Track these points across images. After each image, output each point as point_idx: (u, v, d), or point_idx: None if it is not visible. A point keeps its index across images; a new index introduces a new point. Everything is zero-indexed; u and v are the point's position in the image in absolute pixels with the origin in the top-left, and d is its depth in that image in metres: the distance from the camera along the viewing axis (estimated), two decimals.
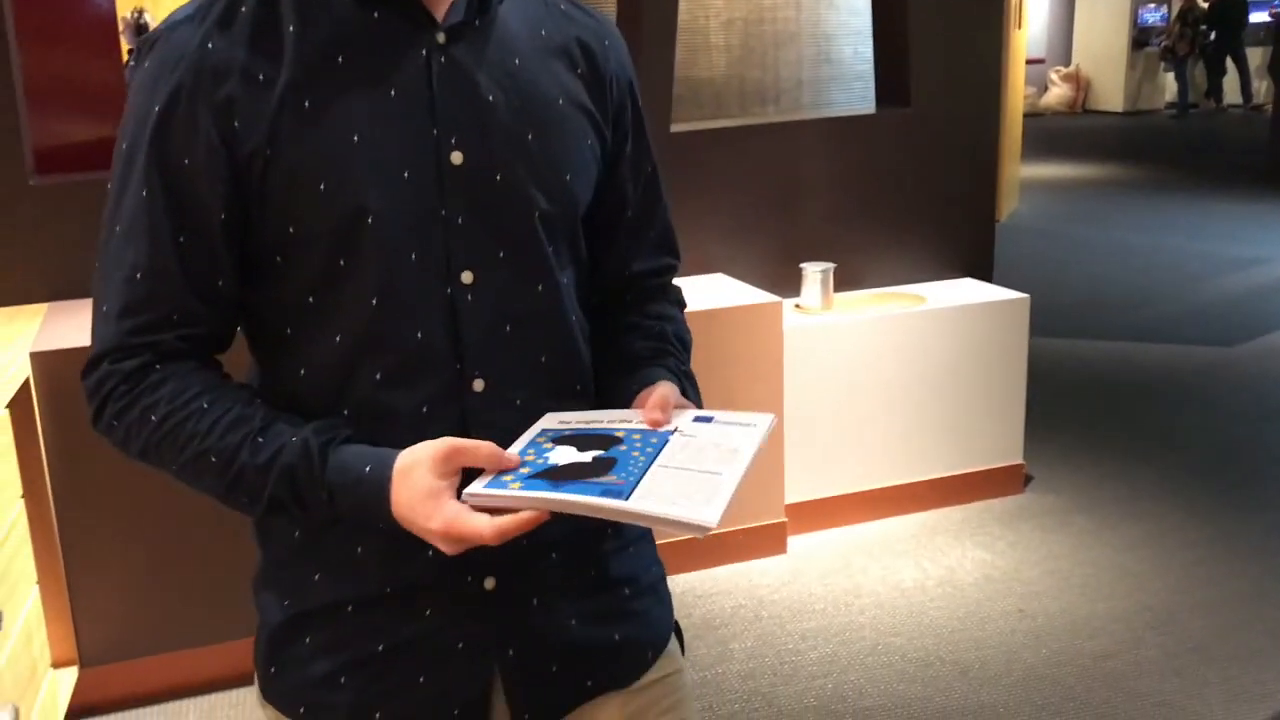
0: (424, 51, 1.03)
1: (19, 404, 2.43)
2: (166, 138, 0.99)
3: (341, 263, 1.01)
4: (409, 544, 1.02)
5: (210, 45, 0.99)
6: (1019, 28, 8.02)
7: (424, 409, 1.03)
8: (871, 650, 2.86)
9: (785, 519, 3.35)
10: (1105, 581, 3.16)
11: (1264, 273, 6.55)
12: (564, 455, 0.98)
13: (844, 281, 3.66)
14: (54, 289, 2.89)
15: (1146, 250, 7.21)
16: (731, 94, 3.89)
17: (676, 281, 1.27)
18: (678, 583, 3.18)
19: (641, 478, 0.93)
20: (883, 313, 3.50)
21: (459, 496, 0.96)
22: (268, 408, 1.02)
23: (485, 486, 0.95)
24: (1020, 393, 3.66)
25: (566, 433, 1.02)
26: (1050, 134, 13.15)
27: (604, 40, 1.15)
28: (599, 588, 1.14)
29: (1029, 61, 11.23)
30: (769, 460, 3.28)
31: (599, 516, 0.92)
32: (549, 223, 1.08)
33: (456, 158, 1.03)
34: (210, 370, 1.05)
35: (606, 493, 0.91)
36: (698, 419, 1.03)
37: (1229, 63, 14.83)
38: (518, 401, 1.06)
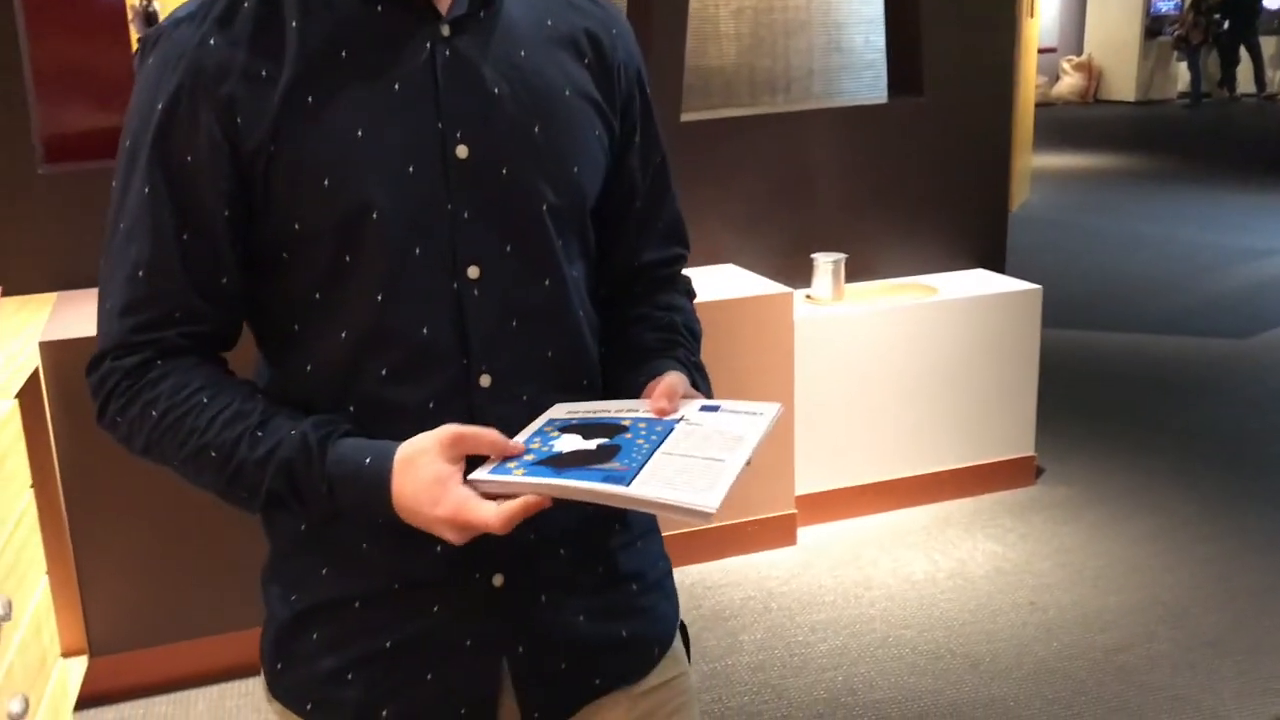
0: (428, 45, 1.02)
1: (28, 394, 2.42)
2: (169, 136, 0.98)
3: (347, 258, 1.00)
4: (416, 539, 1.01)
5: (212, 42, 0.98)
6: (1031, 16, 7.97)
7: (430, 405, 1.02)
8: (882, 643, 2.85)
9: (795, 510, 3.34)
10: (1117, 574, 3.14)
11: (1277, 264, 6.51)
12: (569, 443, 0.97)
13: (855, 272, 3.64)
14: (63, 278, 2.89)
15: (1159, 241, 7.17)
16: (742, 83, 3.87)
17: (686, 272, 1.26)
18: (687, 574, 3.17)
19: (644, 464, 0.93)
20: (894, 304, 3.48)
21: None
22: (268, 402, 1.02)
23: (489, 473, 0.95)
24: (1032, 384, 3.64)
25: (573, 422, 1.02)
26: (1062, 124, 13.08)
27: (611, 30, 1.14)
28: (607, 584, 1.13)
29: (1041, 51, 11.17)
30: (779, 451, 3.26)
31: (601, 502, 0.91)
32: (557, 216, 1.07)
33: (462, 151, 1.02)
34: (212, 365, 1.04)
35: (609, 479, 0.91)
36: (704, 408, 1.02)
37: (1242, 52, 14.73)
38: (524, 397, 1.05)
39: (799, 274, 3.56)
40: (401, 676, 1.07)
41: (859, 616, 2.97)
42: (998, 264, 3.87)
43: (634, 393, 1.08)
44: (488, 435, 0.96)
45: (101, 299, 1.03)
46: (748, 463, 0.94)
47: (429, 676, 1.07)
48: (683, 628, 1.23)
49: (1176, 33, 14.84)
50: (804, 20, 3.89)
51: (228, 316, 1.05)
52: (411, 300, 1.01)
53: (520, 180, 1.04)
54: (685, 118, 3.47)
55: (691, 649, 1.26)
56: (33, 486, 2.31)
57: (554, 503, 0.93)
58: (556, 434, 0.99)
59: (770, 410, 1.00)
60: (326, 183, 0.98)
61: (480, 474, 0.95)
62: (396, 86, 1.01)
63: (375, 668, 1.07)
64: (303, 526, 1.07)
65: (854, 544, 3.36)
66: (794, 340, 3.24)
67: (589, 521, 1.10)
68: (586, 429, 1.00)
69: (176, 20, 1.00)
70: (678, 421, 1.00)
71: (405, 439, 0.98)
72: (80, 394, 2.62)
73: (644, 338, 1.16)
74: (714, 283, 3.28)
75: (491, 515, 0.92)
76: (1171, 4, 15.23)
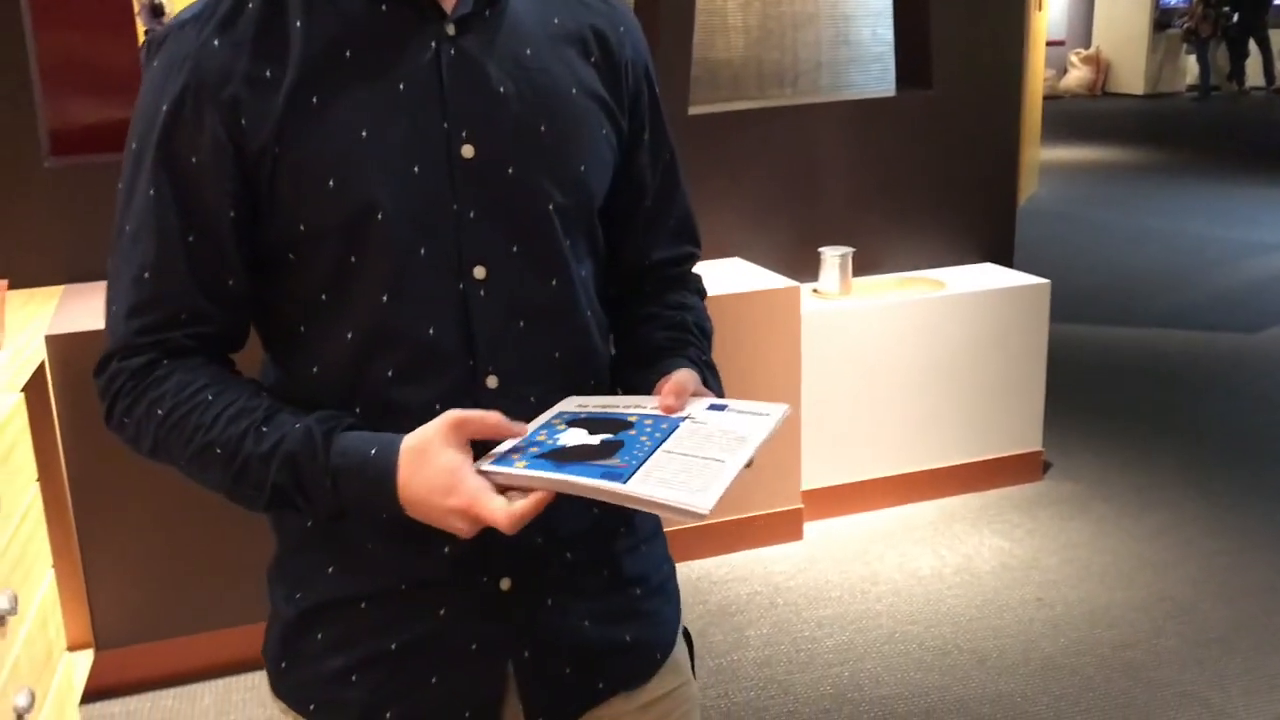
0: (433, 44, 1.01)
1: (34, 387, 2.42)
2: (173, 137, 0.98)
3: (352, 259, 1.00)
4: (422, 540, 1.00)
5: (216, 44, 0.98)
6: (1039, 9, 7.94)
7: (436, 405, 1.01)
8: (888, 638, 2.84)
9: (802, 505, 3.33)
10: (1125, 570, 3.13)
11: None
12: (573, 437, 0.97)
13: (863, 266, 3.63)
14: (69, 271, 2.89)
15: (1167, 235, 7.14)
16: (749, 76, 3.86)
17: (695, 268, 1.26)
18: (693, 569, 3.17)
19: (644, 462, 0.92)
20: (902, 298, 3.47)
21: None
22: (273, 399, 1.01)
23: (493, 464, 0.95)
24: (1040, 379, 3.63)
25: (581, 416, 1.01)
26: (1070, 117, 13.04)
27: (619, 27, 1.13)
28: (611, 587, 1.13)
29: (1049, 43, 11.13)
30: (786, 446, 3.26)
31: (598, 498, 0.91)
32: (564, 215, 1.06)
33: (467, 151, 1.01)
34: (217, 364, 1.04)
35: (607, 475, 0.91)
36: (712, 407, 1.02)
37: (1252, 44, 14.67)
38: (532, 398, 1.04)
39: (806, 268, 3.55)
40: (406, 679, 1.06)
41: (865, 612, 2.96)
42: (1006, 258, 3.85)
43: (645, 392, 1.07)
44: (491, 417, 0.95)
45: (109, 301, 1.03)
46: (748, 464, 0.94)
47: (434, 679, 1.06)
48: (686, 635, 1.22)
49: (1185, 25, 14.78)
50: (812, 13, 3.88)
51: (234, 318, 1.04)
52: (417, 301, 1.01)
53: (526, 180, 1.03)
54: (693, 111, 3.46)
55: (695, 653, 1.25)
56: (38, 480, 2.31)
57: (556, 497, 0.93)
58: (564, 427, 0.99)
59: (777, 411, 0.99)
60: (331, 183, 0.98)
61: (484, 464, 0.95)
62: (401, 86, 1.00)
63: (380, 669, 1.06)
64: (309, 523, 1.07)
65: (860, 539, 3.35)
66: (801, 334, 3.23)
67: (597, 525, 1.10)
68: (593, 424, 1.00)
69: (181, 22, 1.00)
70: (683, 420, 0.99)
71: None
72: (87, 388, 2.62)
73: (654, 337, 1.15)
74: (721, 276, 3.27)
75: (502, 514, 0.91)
76: None
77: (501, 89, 1.03)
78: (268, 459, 0.97)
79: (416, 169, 1.00)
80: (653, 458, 0.93)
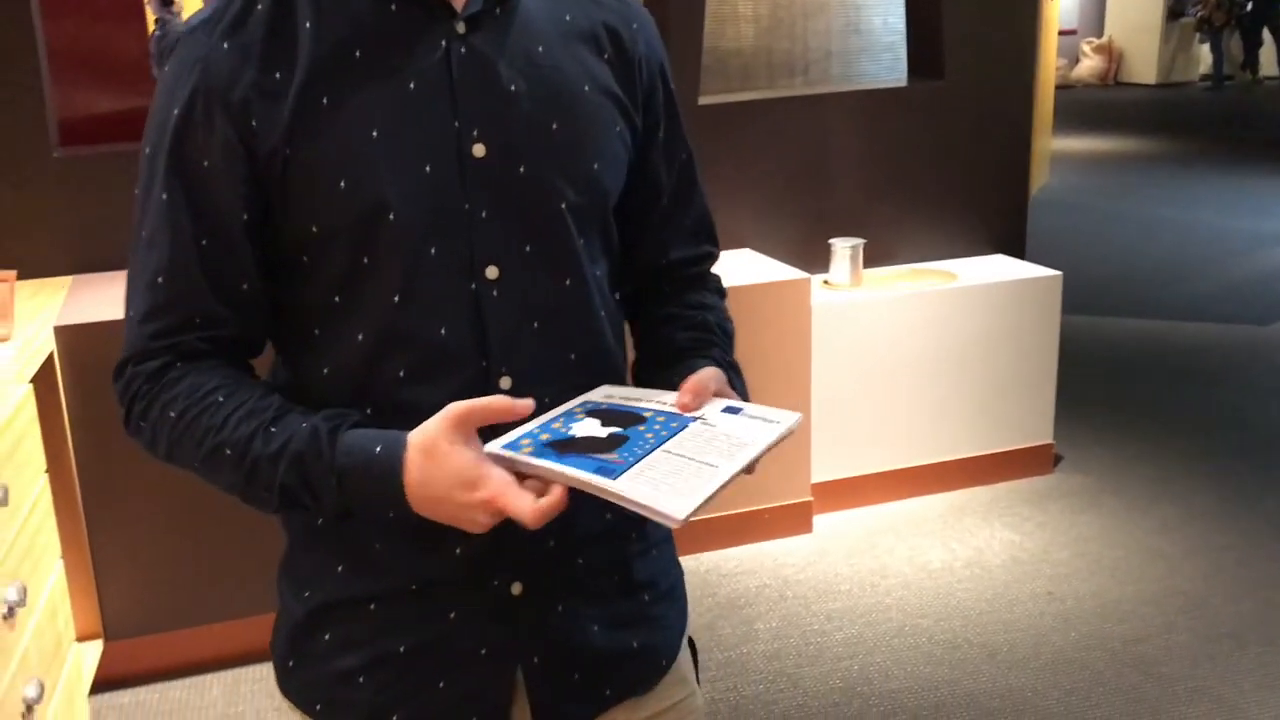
0: (443, 42, 1.00)
1: (43, 378, 2.42)
2: (185, 141, 0.98)
3: (364, 260, 0.99)
4: (431, 542, 1.00)
5: (226, 46, 0.97)
6: None
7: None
8: (898, 632, 2.83)
9: (811, 498, 3.32)
10: (1136, 564, 3.12)
11: None
12: (585, 428, 0.97)
13: (873, 257, 3.61)
14: (78, 262, 2.89)
15: (1179, 225, 7.10)
16: (760, 65, 3.83)
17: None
18: (702, 561, 3.16)
19: (640, 460, 0.92)
20: (913, 290, 3.45)
21: None
22: (284, 400, 1.00)
23: (502, 447, 0.95)
24: (1051, 371, 3.61)
25: (604, 406, 1.01)
26: (1081, 106, 12.97)
27: (632, 23, 1.11)
28: (621, 593, 1.12)
29: (1061, 33, 11.06)
30: (795, 438, 3.22)
31: (588, 491, 0.91)
32: (578, 214, 1.05)
33: (478, 150, 1.00)
34: (231, 367, 1.03)
35: (601, 470, 0.91)
36: (726, 409, 1.01)
37: (1266, 33, 14.57)
38: (546, 399, 1.03)
39: (817, 259, 3.54)
40: (415, 681, 1.06)
41: (875, 605, 2.95)
42: (1017, 250, 3.83)
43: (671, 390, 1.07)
44: (495, 404, 0.94)
45: (126, 306, 1.03)
46: (749, 469, 0.93)
47: (442, 683, 1.06)
48: (691, 644, 1.21)
49: (1199, 14, 14.68)
50: (822, 2, 3.85)
51: (250, 321, 1.03)
52: (429, 301, 1.00)
53: (538, 178, 1.03)
54: (703, 101, 3.44)
55: (703, 650, 1.25)
56: (47, 471, 2.31)
57: (573, 494, 0.93)
58: (582, 417, 0.99)
59: (787, 420, 0.98)
60: (342, 184, 0.97)
61: (493, 447, 0.95)
62: (411, 85, 0.99)
63: (388, 670, 1.06)
64: (319, 521, 1.06)
65: (870, 532, 3.34)
66: (811, 326, 3.21)
67: (610, 529, 1.09)
68: (608, 415, 0.99)
69: (192, 27, 1.00)
70: (694, 420, 0.99)
71: None
72: (96, 378, 2.62)
73: (676, 337, 1.15)
74: (731, 268, 3.26)
75: (527, 509, 0.90)
76: None
77: (512, 87, 1.02)
78: (275, 459, 0.96)
79: (428, 168, 0.99)
80: (650, 456, 0.93)
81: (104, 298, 2.66)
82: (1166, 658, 2.69)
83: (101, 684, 2.63)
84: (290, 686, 1.11)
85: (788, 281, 3.17)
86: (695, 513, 0.87)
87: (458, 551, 1.02)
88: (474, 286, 1.01)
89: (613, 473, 0.90)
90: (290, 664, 1.11)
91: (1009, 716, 2.49)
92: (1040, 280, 3.55)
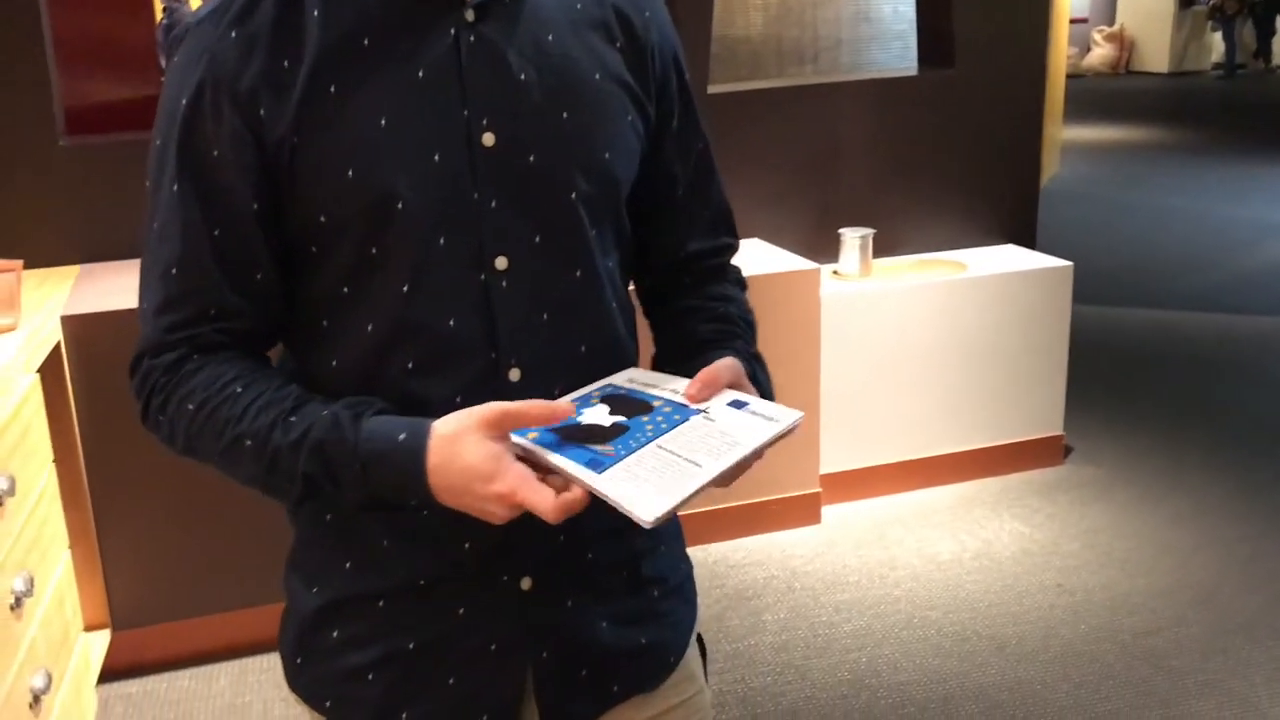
0: (452, 30, 0.99)
1: (50, 368, 2.42)
2: (194, 132, 0.97)
3: (373, 250, 0.98)
4: (439, 537, 0.99)
5: (234, 35, 0.97)
6: None
7: (458, 399, 0.99)
8: (906, 624, 2.82)
9: (820, 489, 3.31)
10: (1146, 556, 3.10)
11: None
12: (595, 415, 0.97)
13: (883, 247, 3.59)
14: (85, 251, 2.88)
15: (1191, 215, 7.06)
16: (769, 54, 3.81)
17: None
18: (709, 552, 3.15)
19: (633, 453, 0.91)
20: (922, 280, 3.43)
21: None
22: (302, 389, 1.00)
23: (513, 433, 0.95)
24: (1061, 362, 3.59)
25: (621, 392, 1.01)
26: (1093, 95, 12.91)
27: (644, 11, 1.10)
28: (630, 589, 1.11)
29: (1072, 21, 11.00)
30: (804, 429, 3.23)
31: (575, 482, 0.91)
32: (590, 204, 1.04)
33: (488, 139, 0.99)
34: (248, 358, 1.02)
35: (591, 462, 0.90)
36: (732, 403, 1.00)
37: (1279, 22, 14.47)
38: (556, 392, 1.02)
39: (826, 249, 3.52)
40: (424, 678, 1.05)
41: (884, 597, 2.94)
42: (1028, 240, 3.81)
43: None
44: (534, 408, 0.93)
45: (139, 300, 1.03)
46: (736, 470, 0.92)
47: (451, 680, 1.05)
48: (700, 641, 1.21)
49: (1211, 2, 14.59)
50: None
51: (264, 312, 1.02)
52: (438, 292, 0.99)
53: (549, 168, 1.01)
54: (712, 90, 3.42)
55: (711, 641, 1.24)
56: (54, 461, 2.31)
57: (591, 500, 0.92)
58: (596, 402, 0.99)
59: (786, 418, 0.97)
60: (350, 173, 0.96)
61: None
62: (420, 73, 0.98)
63: (397, 668, 1.05)
64: (328, 517, 1.05)
65: (879, 523, 3.33)
66: (820, 316, 3.20)
67: (619, 525, 1.08)
68: (618, 403, 0.99)
69: (200, 18, 0.99)
70: (697, 413, 0.97)
71: None
72: (103, 368, 2.62)
73: (699, 330, 1.13)
74: (739, 258, 3.23)
75: (548, 503, 0.89)
76: None
77: (522, 76, 1.01)
78: (296, 448, 0.95)
79: (436, 157, 0.98)
80: (640, 451, 0.92)
81: (111, 287, 2.65)
82: (1177, 651, 2.67)
83: (109, 674, 2.63)
84: (299, 683, 1.11)
85: (797, 272, 3.15)
86: (669, 515, 0.86)
87: (466, 547, 1.01)
88: (483, 277, 1.00)
89: (601, 465, 0.90)
90: (299, 661, 1.10)
91: (1018, 709, 2.48)
92: (1051, 271, 3.53)
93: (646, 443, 0.93)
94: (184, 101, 0.97)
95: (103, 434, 2.54)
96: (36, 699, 1.96)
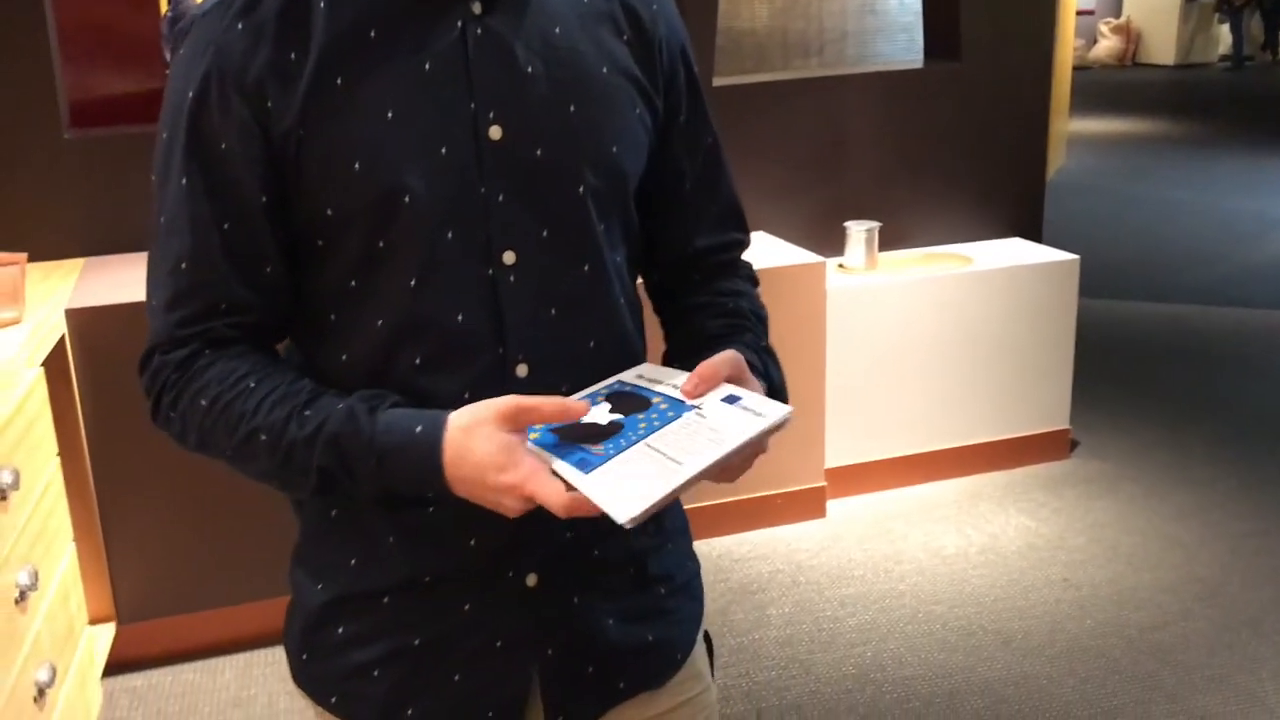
0: (459, 23, 0.99)
1: (54, 361, 2.42)
2: (201, 124, 0.97)
3: (380, 244, 0.97)
4: (443, 534, 0.99)
5: (240, 27, 0.96)
6: None
7: (466, 395, 0.99)
8: (911, 618, 2.81)
9: (825, 483, 3.30)
10: (1153, 551, 3.09)
11: None
12: (596, 414, 0.96)
13: (889, 241, 3.58)
14: (89, 244, 2.88)
15: (1198, 208, 7.03)
16: (774, 46, 3.80)
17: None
18: (714, 546, 3.15)
19: (622, 452, 0.91)
20: (928, 273, 3.42)
21: None
22: (315, 384, 0.99)
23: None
24: (1068, 356, 3.58)
25: (627, 389, 1.00)
26: (1099, 88, 12.86)
27: (651, 4, 1.09)
28: (637, 586, 1.11)
29: (1078, 13, 10.97)
30: (809, 423, 3.23)
31: (566, 481, 0.90)
32: (598, 198, 1.03)
33: (495, 133, 0.99)
34: (259, 353, 1.02)
35: (580, 462, 0.90)
36: (726, 398, 0.98)
37: None
38: (564, 388, 1.01)
39: (831, 243, 3.51)
40: (429, 675, 1.05)
41: (889, 591, 2.94)
42: (1034, 233, 3.79)
43: None
44: (549, 404, 0.92)
45: (148, 295, 1.02)
46: (724, 463, 0.90)
47: (457, 677, 1.05)
48: (707, 638, 1.20)
49: None
50: None
51: (274, 306, 1.02)
52: (445, 287, 0.98)
53: (556, 162, 1.01)
54: (717, 82, 3.41)
55: (717, 636, 1.23)
56: (59, 455, 2.31)
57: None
58: (602, 400, 0.98)
59: (774, 414, 0.95)
60: (357, 166, 0.96)
61: None
62: (427, 66, 0.97)
63: (403, 664, 1.05)
64: (333, 512, 1.05)
65: (884, 517, 3.32)
66: (826, 310, 3.19)
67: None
68: (620, 400, 0.98)
69: (206, 10, 0.99)
70: (691, 409, 0.96)
71: None
72: (107, 361, 2.61)
73: (708, 325, 1.12)
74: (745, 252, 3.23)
75: (558, 497, 0.88)
76: None
77: (529, 69, 1.00)
78: (311, 441, 0.95)
79: (444, 151, 0.97)
80: (629, 450, 0.91)
81: (116, 280, 2.65)
82: (1184, 645, 2.67)
83: (114, 667, 2.63)
84: (304, 679, 1.10)
85: (802, 265, 3.14)
86: (645, 515, 0.86)
87: (471, 544, 1.00)
88: (491, 272, 0.99)
89: (589, 465, 0.89)
90: (304, 657, 1.10)
91: (1023, 704, 2.48)
92: (1057, 264, 3.52)
93: (636, 441, 0.92)
94: (190, 94, 0.97)
95: (107, 427, 2.54)
96: (41, 692, 1.96)
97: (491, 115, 0.98)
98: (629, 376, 1.02)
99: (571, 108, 1.01)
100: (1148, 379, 4.31)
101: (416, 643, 1.04)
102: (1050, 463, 3.60)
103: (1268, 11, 14.44)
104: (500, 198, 0.99)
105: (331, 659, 1.07)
